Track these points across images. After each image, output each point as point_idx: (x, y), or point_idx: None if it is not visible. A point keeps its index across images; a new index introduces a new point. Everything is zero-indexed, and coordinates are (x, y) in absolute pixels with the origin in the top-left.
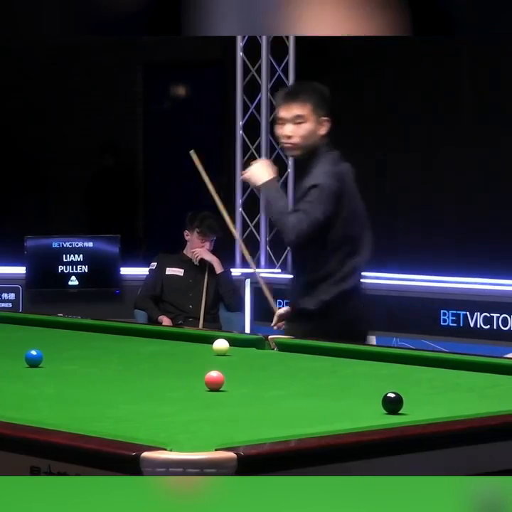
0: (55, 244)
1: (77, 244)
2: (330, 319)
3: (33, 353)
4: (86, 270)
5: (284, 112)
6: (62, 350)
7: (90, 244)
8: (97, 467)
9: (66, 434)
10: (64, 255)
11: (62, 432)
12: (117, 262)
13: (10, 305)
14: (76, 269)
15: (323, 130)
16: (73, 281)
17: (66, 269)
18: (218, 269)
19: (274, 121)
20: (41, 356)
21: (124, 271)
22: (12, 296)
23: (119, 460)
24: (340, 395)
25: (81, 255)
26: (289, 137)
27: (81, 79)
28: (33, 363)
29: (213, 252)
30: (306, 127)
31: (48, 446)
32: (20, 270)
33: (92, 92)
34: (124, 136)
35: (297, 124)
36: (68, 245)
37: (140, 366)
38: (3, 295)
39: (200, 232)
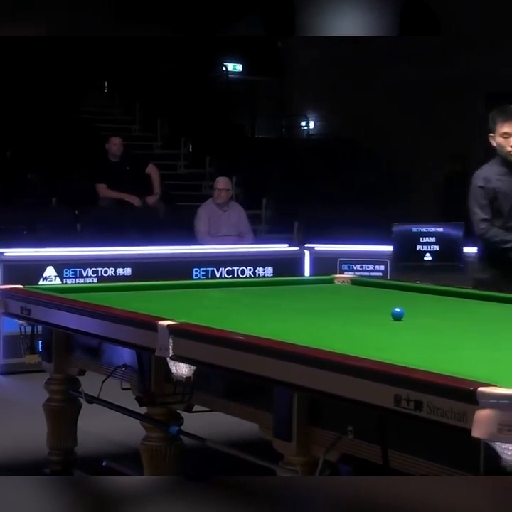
0: (414, 229)
1: (430, 229)
2: None
3: (397, 310)
4: (437, 249)
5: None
6: (418, 308)
7: (440, 229)
8: (444, 397)
9: (421, 371)
10: (421, 237)
11: (418, 370)
12: (461, 242)
13: (380, 274)
14: (430, 248)
15: None
16: (427, 257)
17: (422, 248)
18: None
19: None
20: (403, 312)
21: (466, 250)
22: (382, 267)
23: (461, 392)
24: None
25: (434, 237)
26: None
27: (438, 103)
28: (397, 318)
29: None
30: None
31: (408, 379)
32: (388, 248)
33: (449, 113)
34: (469, 148)
35: None
36: (424, 230)
37: (477, 323)
38: (375, 267)
39: None
